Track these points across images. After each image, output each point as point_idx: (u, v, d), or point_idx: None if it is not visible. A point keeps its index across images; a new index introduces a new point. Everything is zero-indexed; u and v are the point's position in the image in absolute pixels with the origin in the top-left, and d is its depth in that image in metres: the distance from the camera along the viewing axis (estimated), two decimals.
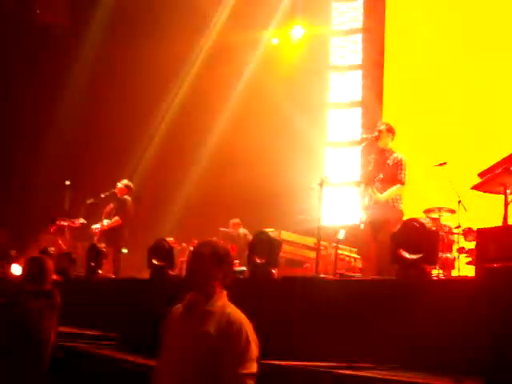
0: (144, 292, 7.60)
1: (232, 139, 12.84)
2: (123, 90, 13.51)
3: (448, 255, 7.45)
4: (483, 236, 5.36)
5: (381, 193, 7.02)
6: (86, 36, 13.71)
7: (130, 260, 10.52)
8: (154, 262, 7.71)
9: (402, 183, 7.11)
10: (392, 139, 7.31)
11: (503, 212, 6.38)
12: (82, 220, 11.01)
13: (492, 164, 6.63)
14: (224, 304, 3.34)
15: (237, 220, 11.39)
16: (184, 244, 11.05)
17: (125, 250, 10.44)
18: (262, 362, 3.32)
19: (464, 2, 11.26)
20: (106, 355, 6.25)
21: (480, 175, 6.77)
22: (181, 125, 13.39)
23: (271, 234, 6.88)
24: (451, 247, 7.66)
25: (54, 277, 7.80)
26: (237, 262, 8.65)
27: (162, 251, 7.75)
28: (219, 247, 3.44)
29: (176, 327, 3.38)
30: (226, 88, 13.14)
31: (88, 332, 7.28)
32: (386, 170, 7.08)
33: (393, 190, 7.03)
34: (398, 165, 7.13)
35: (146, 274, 8.06)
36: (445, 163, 7.99)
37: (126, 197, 10.28)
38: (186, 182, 13.18)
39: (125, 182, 10.45)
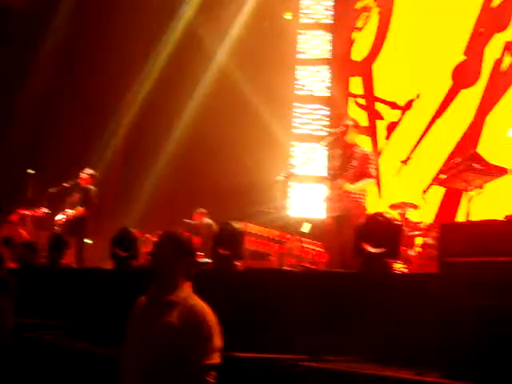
0: (107, 282, 7.54)
1: (199, 131, 12.77)
2: (88, 78, 13.34)
3: (411, 250, 7.54)
4: (446, 231, 5.43)
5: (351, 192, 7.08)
6: (49, 22, 13.41)
7: (93, 250, 10.42)
8: (118, 252, 7.64)
9: (372, 177, 7.18)
10: (357, 134, 7.37)
11: (465, 208, 6.51)
12: (45, 209, 10.88)
13: (455, 161, 6.75)
14: (188, 295, 3.33)
15: (201, 210, 11.37)
16: (148, 235, 10.98)
17: (88, 241, 10.34)
18: (225, 353, 3.33)
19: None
20: (65, 344, 6.20)
21: (442, 171, 6.88)
22: (147, 116, 13.28)
23: (236, 226, 6.86)
24: (414, 242, 7.76)
25: (11, 265, 7.71)
26: (201, 254, 8.64)
27: (125, 242, 7.69)
28: (182, 238, 3.43)
29: (140, 318, 3.37)
30: (193, 80, 13.04)
31: (50, 322, 7.20)
32: (354, 164, 7.13)
33: (363, 183, 7.09)
34: (366, 159, 7.20)
35: (109, 265, 8.00)
36: (409, 158, 8.09)
37: (90, 186, 10.18)
38: (151, 173, 13.08)
39: (89, 171, 10.34)
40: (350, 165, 7.13)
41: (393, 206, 8.17)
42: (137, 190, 13.03)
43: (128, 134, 13.60)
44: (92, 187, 10.20)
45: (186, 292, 3.34)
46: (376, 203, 7.94)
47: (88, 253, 10.03)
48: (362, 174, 7.09)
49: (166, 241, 3.41)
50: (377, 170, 7.59)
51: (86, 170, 10.34)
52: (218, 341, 3.26)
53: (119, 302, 5.73)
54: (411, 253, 7.54)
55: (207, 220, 11.20)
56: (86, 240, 10.21)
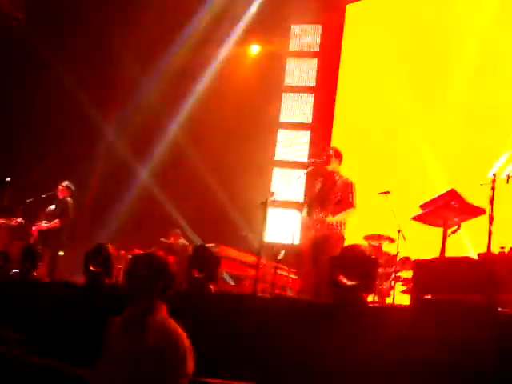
0: (78, 298, 7.45)
1: (181, 150, 12.75)
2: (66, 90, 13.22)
3: (385, 283, 7.56)
4: (420, 267, 5.47)
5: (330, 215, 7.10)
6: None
7: (66, 264, 10.32)
8: (91, 267, 7.57)
9: (354, 206, 7.21)
10: (339, 164, 7.41)
11: (441, 244, 6.54)
12: (19, 219, 10.77)
13: (433, 197, 6.79)
14: (163, 317, 3.31)
15: (177, 231, 11.36)
16: (123, 252, 10.91)
17: (61, 253, 10.24)
18: (194, 378, 3.31)
19: (416, 37, 11.50)
20: (28, 359, 6.09)
21: (421, 207, 6.91)
22: (129, 133, 13.19)
23: (211, 249, 6.86)
24: (389, 275, 7.78)
25: None
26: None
27: (99, 257, 7.62)
28: (158, 259, 3.41)
29: (114, 339, 3.34)
30: (177, 101, 13.04)
31: (13, 335, 7.08)
32: (336, 193, 7.16)
33: (345, 212, 7.12)
34: (349, 188, 7.24)
35: (81, 279, 7.92)
36: (388, 192, 8.11)
37: (67, 199, 10.11)
38: (130, 190, 13.01)
39: (66, 183, 10.28)
40: (331, 193, 7.16)
41: (368, 238, 8.20)
42: (115, 204, 12.95)
43: (109, 150, 13.50)
44: (69, 199, 10.13)
45: (161, 314, 3.32)
46: (352, 234, 7.93)
47: (61, 266, 9.93)
48: (343, 203, 7.13)
49: (142, 262, 3.39)
50: None
51: (64, 182, 10.27)
52: (190, 365, 3.24)
53: (89, 318, 5.70)
54: (386, 286, 7.56)
55: (183, 241, 11.18)
56: (59, 253, 10.11)
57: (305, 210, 7.38)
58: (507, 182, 5.92)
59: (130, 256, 8.18)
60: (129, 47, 12.78)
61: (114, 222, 12.65)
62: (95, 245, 7.82)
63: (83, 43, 12.91)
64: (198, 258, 6.81)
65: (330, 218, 7.02)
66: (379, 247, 7.99)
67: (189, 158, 12.57)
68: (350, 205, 7.15)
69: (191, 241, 11.03)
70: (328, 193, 7.20)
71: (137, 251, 9.48)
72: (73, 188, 10.29)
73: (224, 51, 12.98)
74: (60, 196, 10.13)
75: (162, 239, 11.11)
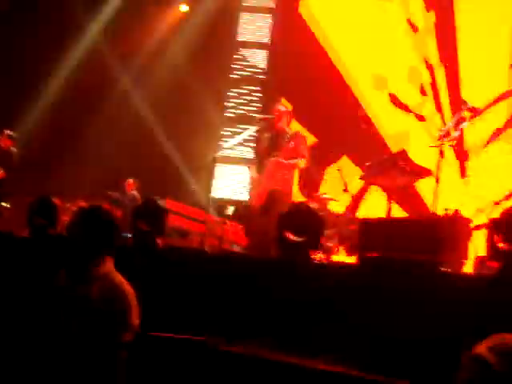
0: (22, 250, 7.31)
1: (133, 105, 12.53)
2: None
3: (331, 241, 7.65)
4: (365, 226, 5.54)
5: (280, 173, 7.12)
6: None
7: (10, 215, 10.10)
8: (35, 219, 7.42)
9: (305, 157, 7.25)
10: (289, 122, 7.42)
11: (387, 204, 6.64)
12: None
13: (383, 157, 6.87)
14: (108, 271, 3.28)
15: (131, 180, 11.23)
16: (68, 204, 10.73)
17: (5, 204, 10.03)
18: (139, 332, 3.30)
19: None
20: None
21: (369, 166, 6.99)
22: (77, 83, 12.83)
23: (158, 202, 6.78)
24: (335, 233, 7.87)
25: None
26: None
27: (44, 209, 7.47)
28: (103, 213, 3.36)
29: (59, 292, 3.30)
30: (129, 55, 12.75)
31: None
32: (287, 146, 7.18)
33: (296, 161, 7.15)
34: (299, 139, 7.27)
35: (25, 232, 7.76)
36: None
37: (11, 148, 9.87)
38: (80, 142, 12.70)
39: (9, 132, 10.02)
40: (283, 144, 7.18)
41: (317, 196, 8.26)
42: (62, 156, 12.66)
43: (56, 100, 13.10)
44: (13, 149, 9.89)
45: (107, 267, 3.29)
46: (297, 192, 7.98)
47: (4, 218, 9.73)
48: (295, 154, 7.17)
49: (86, 216, 3.34)
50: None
51: (6, 131, 10.00)
52: (135, 318, 3.23)
53: (33, 271, 5.61)
54: (331, 244, 7.64)
55: (134, 192, 11.05)
56: (2, 203, 9.90)
57: (253, 167, 7.38)
58: (455, 146, 6.04)
59: (75, 208, 8.04)
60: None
61: (62, 173, 12.38)
62: (39, 197, 7.66)
63: None
64: (144, 211, 6.72)
65: (281, 160, 7.06)
66: (325, 206, 8.05)
67: (139, 113, 12.36)
68: (302, 155, 7.19)
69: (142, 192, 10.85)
70: (280, 143, 7.22)
71: (82, 204, 9.33)
72: (15, 137, 10.03)
73: (175, 9, 12.74)
74: (3, 146, 9.87)
75: (110, 192, 10.98)
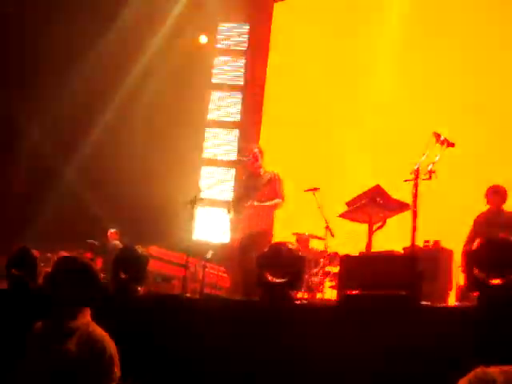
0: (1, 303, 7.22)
1: (111, 149, 12.49)
2: None
3: (314, 279, 7.63)
4: (345, 262, 5.53)
5: (258, 215, 7.12)
6: None
7: None
8: (14, 272, 7.33)
9: (282, 198, 7.26)
10: (262, 160, 7.48)
11: (367, 240, 6.64)
12: None
13: (359, 193, 6.88)
14: (87, 323, 3.23)
15: (113, 230, 11.20)
16: (49, 254, 10.64)
17: None
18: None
19: (342, 35, 11.64)
20: None
21: (348, 204, 6.99)
22: (57, 124, 12.80)
23: (138, 249, 6.74)
24: (318, 270, 7.85)
25: None
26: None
27: (23, 261, 7.39)
28: (82, 263, 3.32)
29: (36, 344, 3.24)
30: (103, 99, 12.77)
31: None
32: (263, 189, 7.20)
33: (274, 202, 7.16)
34: (276, 181, 7.30)
35: (4, 285, 7.67)
36: (316, 189, 8.17)
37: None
38: (58, 190, 12.64)
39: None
40: (258, 188, 7.20)
41: (297, 234, 8.25)
42: (41, 205, 12.58)
43: (34, 144, 13.05)
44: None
45: (85, 319, 3.24)
46: (280, 232, 7.97)
47: None
48: (272, 195, 7.18)
49: (65, 266, 3.29)
50: None
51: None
52: (116, 371, 3.18)
53: (12, 324, 5.53)
54: (315, 282, 7.62)
55: (116, 242, 11.01)
56: None
57: (232, 209, 7.39)
58: (429, 178, 6.06)
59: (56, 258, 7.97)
60: (54, 42, 12.43)
61: (40, 222, 12.29)
62: (18, 248, 7.59)
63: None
64: (124, 259, 6.67)
65: (258, 203, 7.07)
66: (307, 244, 8.05)
67: (115, 157, 12.33)
68: (279, 196, 7.21)
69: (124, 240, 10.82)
70: (255, 187, 7.24)
71: (63, 253, 9.25)
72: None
73: (151, 49, 12.78)
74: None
75: (89, 240, 10.91)
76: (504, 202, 7.30)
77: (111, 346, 3.19)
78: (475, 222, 7.28)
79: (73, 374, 3.08)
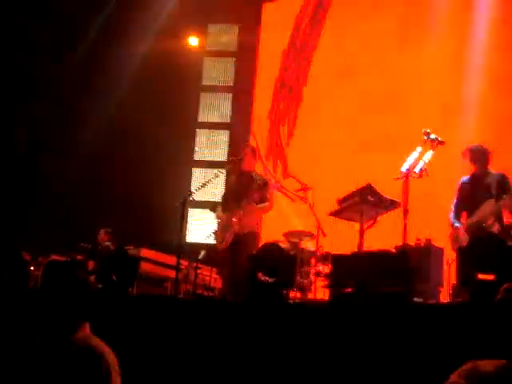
0: None
1: (98, 150, 12.45)
2: None
3: (306, 279, 7.60)
4: (337, 262, 5.53)
5: (249, 216, 7.11)
6: None
7: None
8: (5, 276, 7.32)
9: (271, 203, 7.26)
10: (256, 161, 7.46)
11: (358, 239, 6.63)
12: None
13: (350, 192, 6.89)
14: (85, 336, 3.19)
15: (104, 231, 11.14)
16: (41, 258, 10.60)
17: None
18: None
19: (331, 35, 11.66)
20: None
21: (338, 202, 6.99)
22: (49, 127, 12.75)
23: (130, 251, 6.74)
24: (310, 270, 7.83)
25: None
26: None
27: (14, 265, 7.38)
28: (77, 275, 3.30)
29: (33, 359, 3.21)
30: (92, 102, 12.73)
31: None
32: (254, 191, 7.18)
33: (262, 206, 7.15)
34: (266, 186, 7.29)
35: None
36: (308, 188, 8.16)
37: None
38: (50, 194, 12.58)
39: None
40: (248, 190, 7.19)
41: (288, 234, 8.23)
42: (32, 207, 12.52)
43: (28, 141, 12.97)
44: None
45: (84, 332, 3.21)
46: (271, 231, 7.98)
47: None
48: (260, 199, 7.17)
49: (56, 276, 3.27)
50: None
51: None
52: (117, 381, 3.15)
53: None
54: (307, 282, 7.60)
55: (107, 243, 10.96)
56: None
57: (219, 209, 7.38)
58: (420, 177, 6.07)
59: (46, 263, 7.93)
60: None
61: (32, 225, 12.23)
62: (8, 251, 7.57)
63: None
64: (115, 261, 6.67)
65: (246, 207, 7.06)
66: (298, 244, 8.03)
67: (106, 159, 12.30)
68: (267, 200, 7.20)
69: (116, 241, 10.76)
70: (245, 189, 7.23)
71: (55, 257, 9.22)
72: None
73: (140, 50, 12.75)
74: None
75: (82, 244, 10.85)
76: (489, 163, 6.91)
77: (111, 358, 3.13)
78: (460, 188, 6.95)
79: None
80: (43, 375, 3.09)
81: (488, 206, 6.19)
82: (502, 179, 6.41)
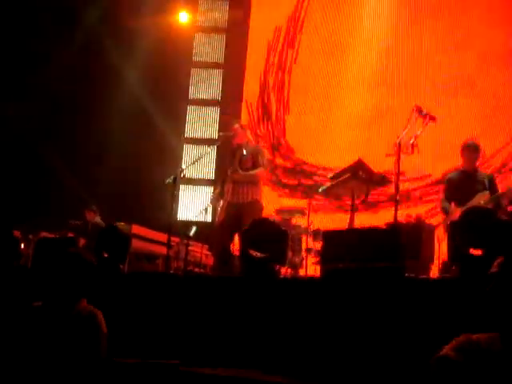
0: None
1: (90, 125, 12.38)
2: None
3: (297, 255, 7.64)
4: (328, 238, 5.54)
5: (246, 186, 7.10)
6: None
7: None
8: None
9: (264, 167, 7.25)
10: (246, 133, 7.45)
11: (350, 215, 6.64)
12: None
13: (342, 168, 6.89)
14: (83, 307, 3.31)
15: (93, 208, 11.11)
16: (31, 235, 10.57)
17: None
18: (109, 359, 3.30)
19: (322, 10, 11.58)
20: None
21: (330, 178, 6.99)
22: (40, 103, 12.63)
23: (121, 228, 6.72)
24: (301, 247, 7.86)
25: None
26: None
27: (5, 243, 7.33)
28: (81, 256, 3.37)
29: (33, 327, 3.25)
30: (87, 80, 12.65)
31: None
32: (247, 160, 7.17)
33: (256, 170, 7.13)
34: (258, 152, 7.29)
35: None
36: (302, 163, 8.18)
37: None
38: (38, 167, 12.49)
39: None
40: (242, 158, 7.18)
41: (280, 211, 8.25)
42: (23, 185, 12.46)
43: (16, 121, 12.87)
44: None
45: (82, 304, 3.33)
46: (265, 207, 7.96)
47: None
48: (253, 165, 7.16)
49: (63, 260, 3.34)
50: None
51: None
52: (104, 344, 3.28)
53: None
54: (298, 258, 7.63)
55: (97, 219, 10.93)
56: None
57: (217, 191, 7.38)
58: (412, 153, 6.07)
59: (38, 240, 7.91)
60: None
61: (23, 203, 12.18)
62: None
63: None
64: (107, 238, 6.64)
65: (240, 173, 7.05)
66: (290, 220, 8.05)
67: (97, 133, 12.22)
68: (261, 165, 7.18)
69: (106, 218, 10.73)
70: (238, 158, 7.22)
71: (45, 234, 9.20)
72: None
73: (131, 25, 12.62)
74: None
75: (72, 221, 10.81)
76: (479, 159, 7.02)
77: (102, 321, 3.31)
78: (448, 183, 6.99)
79: (66, 354, 3.15)
80: (43, 345, 3.17)
81: (483, 197, 6.30)
82: (492, 179, 6.71)
